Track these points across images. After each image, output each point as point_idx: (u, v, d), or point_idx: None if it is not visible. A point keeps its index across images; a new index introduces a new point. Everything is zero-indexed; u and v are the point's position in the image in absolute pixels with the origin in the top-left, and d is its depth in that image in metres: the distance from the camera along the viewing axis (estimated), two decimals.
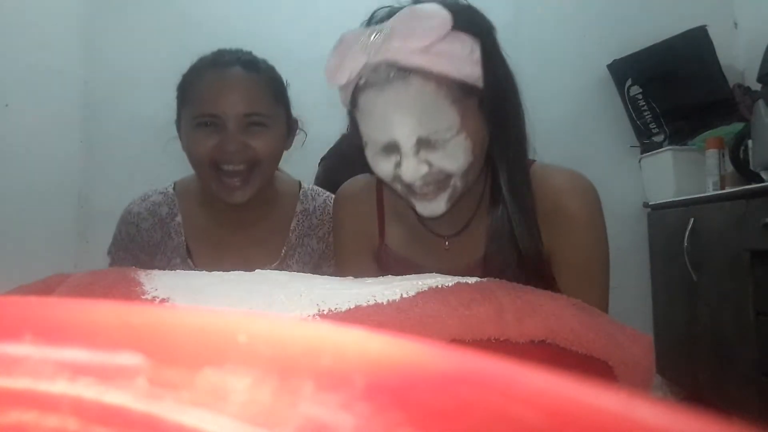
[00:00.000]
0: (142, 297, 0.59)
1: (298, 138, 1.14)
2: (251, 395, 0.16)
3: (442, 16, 0.79)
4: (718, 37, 2.37)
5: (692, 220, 2.16)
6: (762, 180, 1.90)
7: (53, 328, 0.19)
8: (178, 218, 1.12)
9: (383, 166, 0.86)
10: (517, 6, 2.19)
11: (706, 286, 2.13)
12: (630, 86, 2.43)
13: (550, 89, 2.10)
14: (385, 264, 0.98)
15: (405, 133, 0.81)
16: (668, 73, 2.33)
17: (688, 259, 2.15)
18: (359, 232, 0.99)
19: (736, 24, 2.51)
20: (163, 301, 0.58)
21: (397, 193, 0.89)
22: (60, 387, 0.17)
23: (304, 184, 1.19)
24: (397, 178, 0.85)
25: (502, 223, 0.90)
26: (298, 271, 1.09)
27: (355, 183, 1.02)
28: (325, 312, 0.55)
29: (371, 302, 0.57)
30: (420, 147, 0.82)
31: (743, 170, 2.01)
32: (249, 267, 1.05)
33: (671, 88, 2.35)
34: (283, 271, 0.78)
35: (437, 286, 0.60)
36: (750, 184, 1.91)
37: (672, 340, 2.22)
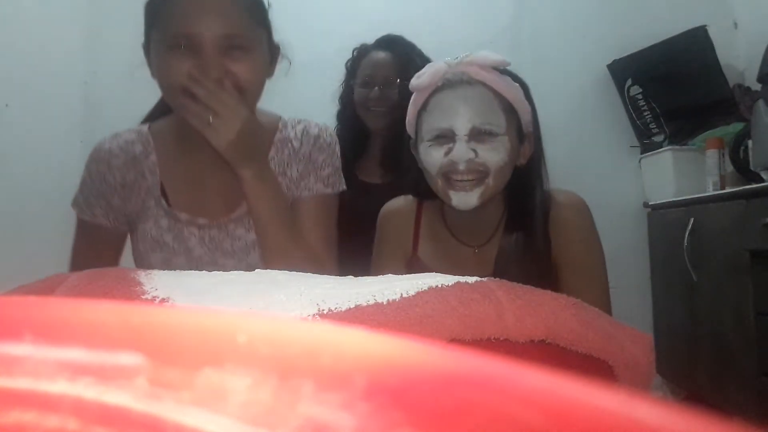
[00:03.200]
0: (142, 297, 0.59)
1: (281, 66, 1.05)
2: (251, 395, 0.16)
3: (503, 58, 1.10)
4: (718, 37, 2.36)
5: (692, 220, 2.16)
6: (762, 180, 1.90)
7: (53, 328, 0.19)
8: (153, 157, 1.03)
9: (434, 155, 1.07)
10: (517, 6, 2.19)
11: (706, 286, 2.13)
12: (630, 86, 2.43)
13: (550, 89, 2.10)
14: (414, 273, 1.09)
15: (464, 120, 1.05)
16: (668, 73, 2.33)
17: (688, 259, 2.15)
18: (396, 243, 1.19)
19: (736, 24, 2.51)
20: (163, 301, 0.58)
21: (437, 188, 1.09)
22: (60, 387, 0.17)
23: (285, 117, 1.11)
24: (443, 168, 1.06)
25: (513, 248, 1.11)
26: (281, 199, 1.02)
27: (399, 201, 1.22)
28: (325, 311, 0.55)
29: (371, 302, 0.57)
30: (471, 137, 1.05)
31: (743, 170, 2.01)
32: (227, 206, 1.02)
33: (671, 88, 2.34)
34: (283, 271, 0.78)
35: (437, 286, 0.60)
36: (750, 184, 1.91)
37: (672, 340, 2.22)
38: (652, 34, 2.38)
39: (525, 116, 1.12)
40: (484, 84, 1.07)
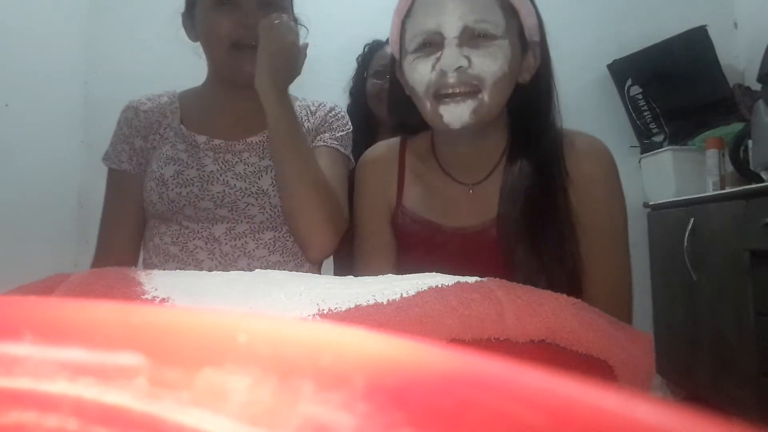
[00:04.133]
0: (142, 297, 0.59)
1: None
2: (251, 395, 0.16)
3: None
4: (718, 37, 2.36)
5: (692, 220, 2.17)
6: (762, 180, 1.90)
7: (53, 328, 0.19)
8: (177, 103, 1.14)
9: (420, 69, 0.90)
10: None
11: (706, 286, 2.13)
12: (630, 86, 2.43)
13: None
14: (401, 226, 1.00)
15: (453, 19, 0.87)
16: (668, 73, 2.33)
17: (688, 259, 2.16)
18: (378, 195, 1.02)
19: (736, 24, 2.51)
20: (163, 301, 0.58)
21: (426, 112, 0.91)
22: (60, 387, 0.17)
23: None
24: (432, 84, 0.88)
25: (518, 179, 0.93)
26: None
27: (378, 147, 1.07)
28: (325, 312, 0.55)
29: (371, 302, 0.57)
30: (463, 41, 0.87)
31: (743, 170, 2.01)
32: (245, 132, 1.09)
33: (671, 88, 2.34)
34: (282, 270, 0.78)
35: (437, 286, 0.60)
36: (750, 184, 1.91)
37: (672, 340, 2.23)
38: (652, 34, 2.38)
39: (528, 19, 0.94)
40: None
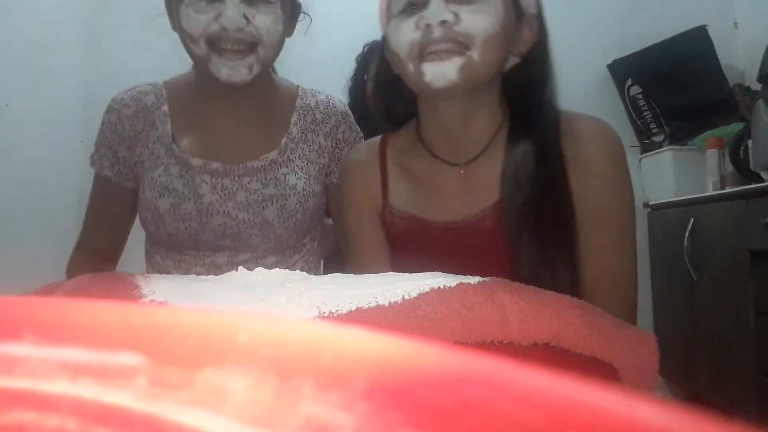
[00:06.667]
0: (140, 300, 0.59)
1: (302, 24, 1.07)
2: (251, 395, 0.16)
3: None
4: (718, 37, 2.36)
5: (692, 220, 2.15)
6: (762, 180, 1.90)
7: (53, 328, 0.19)
8: (165, 108, 1.05)
9: (404, 28, 0.83)
10: None
11: (706, 286, 2.12)
12: (630, 86, 2.43)
13: None
14: (390, 226, 0.94)
15: None
16: (668, 73, 2.33)
17: (688, 259, 2.15)
18: (361, 198, 0.97)
19: (736, 24, 2.51)
20: (161, 304, 0.58)
21: (408, 74, 0.85)
22: (60, 387, 0.17)
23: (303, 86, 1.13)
24: (415, 44, 0.81)
25: (522, 162, 0.86)
26: (303, 167, 1.05)
27: (357, 150, 1.02)
28: (326, 314, 0.55)
29: (372, 304, 0.57)
30: None
31: (743, 170, 2.01)
32: (244, 154, 1.02)
33: (671, 88, 2.34)
34: (283, 270, 0.77)
35: (439, 287, 0.60)
36: (750, 184, 1.91)
37: (672, 340, 2.22)
38: (652, 34, 2.38)
39: None
40: None
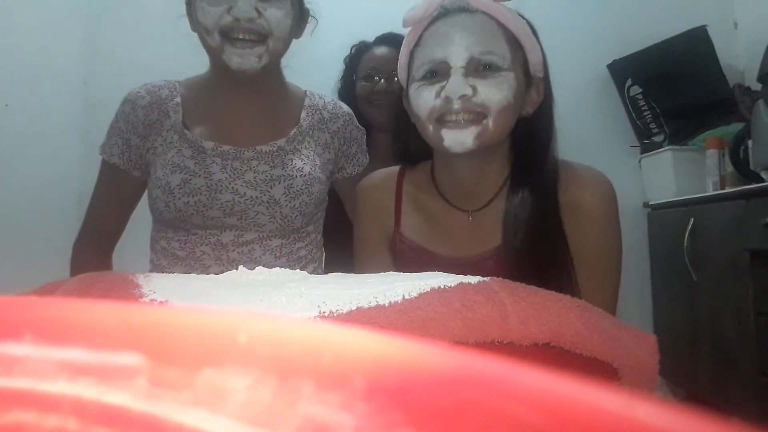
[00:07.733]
0: (140, 300, 0.59)
1: (308, 26, 1.13)
2: (251, 395, 0.16)
3: None
4: (718, 37, 2.36)
5: (692, 220, 2.15)
6: (762, 180, 1.90)
7: (53, 328, 0.19)
8: (177, 99, 1.11)
9: (425, 95, 0.91)
10: (516, 6, 2.19)
11: (706, 286, 2.12)
12: (630, 86, 2.43)
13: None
14: (399, 252, 1.00)
15: (460, 49, 0.89)
16: (668, 73, 2.33)
17: (688, 259, 2.14)
18: (374, 221, 1.04)
19: (736, 24, 2.51)
20: (161, 304, 0.58)
21: (427, 135, 0.93)
22: (60, 387, 0.17)
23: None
24: (435, 110, 0.90)
25: (521, 208, 0.94)
26: (309, 156, 1.10)
27: (376, 175, 1.08)
28: (326, 314, 0.55)
29: (373, 303, 0.57)
30: (469, 71, 0.89)
31: (743, 170, 2.01)
32: (254, 139, 1.08)
33: (671, 88, 2.34)
34: (283, 270, 0.77)
35: (439, 287, 0.60)
36: (750, 184, 1.91)
37: (672, 340, 2.21)
38: (652, 34, 2.38)
39: (533, 55, 0.96)
40: (486, 13, 0.92)
